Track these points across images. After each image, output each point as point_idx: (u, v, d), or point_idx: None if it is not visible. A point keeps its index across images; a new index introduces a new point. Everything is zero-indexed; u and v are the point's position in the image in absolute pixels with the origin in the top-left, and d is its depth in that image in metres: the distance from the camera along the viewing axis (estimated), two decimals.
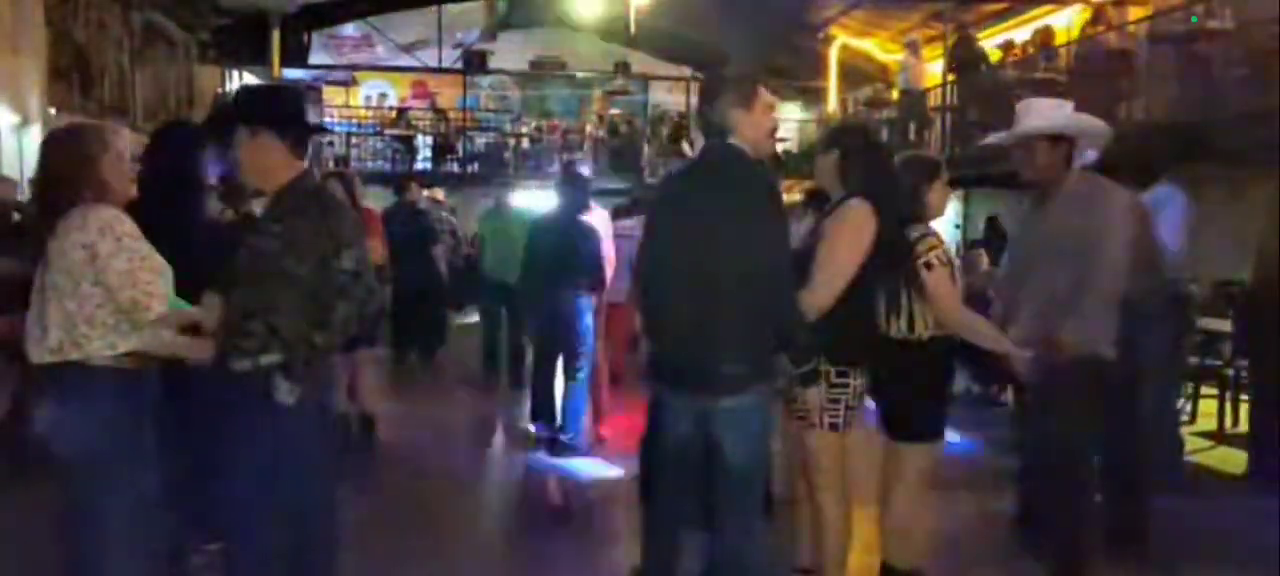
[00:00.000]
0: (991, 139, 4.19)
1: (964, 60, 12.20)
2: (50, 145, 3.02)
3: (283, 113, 3.09)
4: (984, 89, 11.69)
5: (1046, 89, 10.41)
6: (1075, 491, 3.79)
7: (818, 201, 4.71)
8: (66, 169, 2.89)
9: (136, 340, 2.85)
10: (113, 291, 2.79)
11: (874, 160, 3.46)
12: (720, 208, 3.06)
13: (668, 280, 3.17)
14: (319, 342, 2.95)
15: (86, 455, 2.83)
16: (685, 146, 15.55)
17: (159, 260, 2.91)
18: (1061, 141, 3.74)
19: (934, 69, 14.71)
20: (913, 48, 13.65)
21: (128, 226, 2.85)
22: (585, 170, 7.12)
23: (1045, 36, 12.09)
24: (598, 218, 6.68)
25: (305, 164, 3.11)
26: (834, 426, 3.33)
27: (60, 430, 2.86)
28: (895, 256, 3.37)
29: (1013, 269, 4.11)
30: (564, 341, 6.20)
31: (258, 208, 3.10)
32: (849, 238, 3.25)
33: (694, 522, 3.37)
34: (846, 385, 3.31)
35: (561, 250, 6.14)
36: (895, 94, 15.28)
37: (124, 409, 2.88)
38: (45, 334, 2.82)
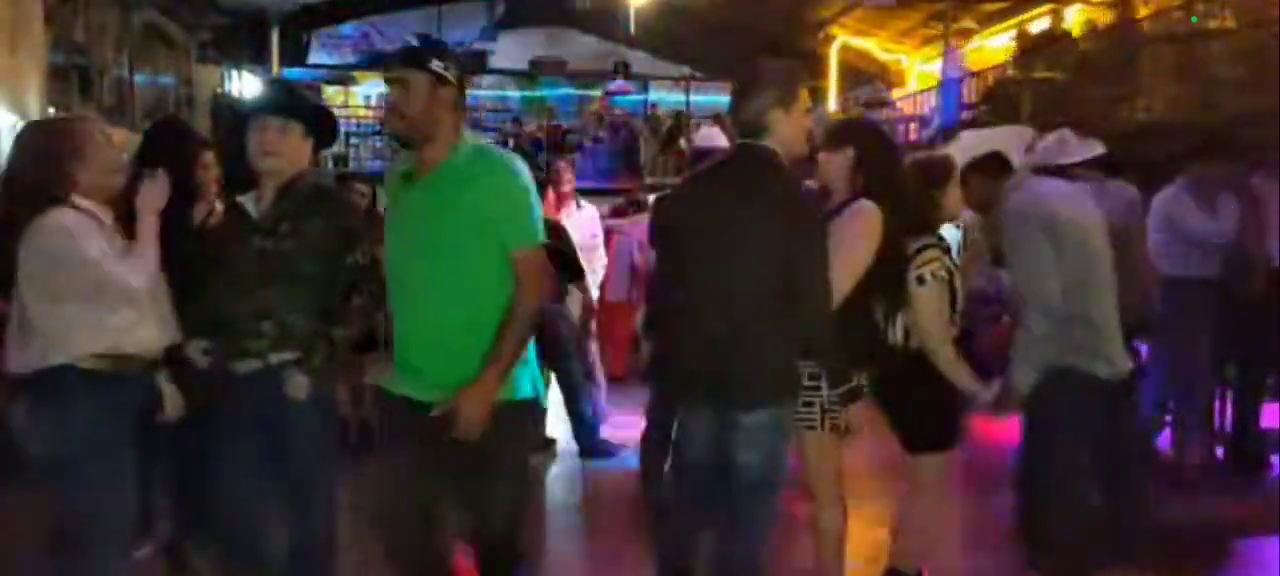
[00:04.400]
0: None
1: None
2: (20, 143, 2.97)
3: (319, 113, 3.15)
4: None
5: (1047, 88, 10.44)
6: (1070, 498, 3.71)
7: None
8: (33, 169, 2.84)
9: (114, 338, 2.81)
10: (89, 284, 2.76)
11: (889, 162, 3.38)
12: (749, 214, 2.88)
13: (688, 287, 3.03)
14: (338, 337, 2.99)
15: (60, 460, 2.81)
16: (682, 144, 15.54)
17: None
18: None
19: (933, 70, 14.71)
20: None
21: (76, 223, 2.79)
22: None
23: (1023, 40, 12.07)
24: (586, 214, 6.66)
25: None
26: (835, 429, 3.23)
27: (34, 434, 2.83)
28: (895, 265, 3.29)
29: None
30: (545, 345, 6.12)
31: (251, 204, 3.03)
32: (859, 240, 3.14)
33: (708, 530, 3.28)
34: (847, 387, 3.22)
35: None
36: (897, 93, 15.27)
37: (101, 414, 2.83)
38: (27, 343, 2.80)
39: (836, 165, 3.30)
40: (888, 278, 3.29)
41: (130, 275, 2.82)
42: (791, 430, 3.10)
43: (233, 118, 3.95)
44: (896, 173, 3.40)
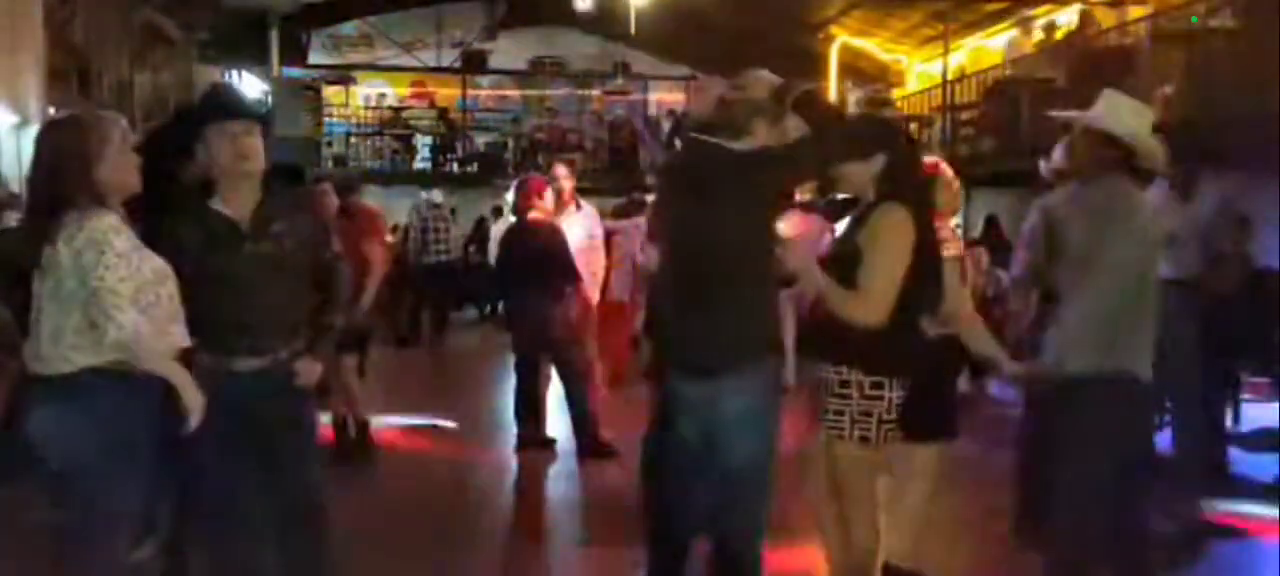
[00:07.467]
0: (1063, 116, 3.81)
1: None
2: (44, 140, 2.88)
3: (264, 112, 3.20)
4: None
5: (1045, 88, 10.44)
6: (1083, 500, 3.67)
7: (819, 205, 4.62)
8: (60, 168, 2.75)
9: (118, 353, 2.71)
10: (87, 303, 2.68)
11: (915, 163, 3.39)
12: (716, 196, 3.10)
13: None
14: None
15: (77, 465, 2.75)
16: (677, 144, 15.49)
17: (157, 266, 2.79)
18: (1113, 145, 3.41)
19: (933, 70, 14.71)
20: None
21: (120, 240, 2.71)
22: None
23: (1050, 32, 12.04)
24: (586, 215, 6.65)
25: None
26: (865, 440, 3.16)
27: (51, 438, 2.76)
28: (930, 261, 3.25)
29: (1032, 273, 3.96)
30: (542, 347, 6.16)
31: (223, 209, 3.04)
32: (897, 243, 3.12)
33: (699, 524, 3.31)
34: (881, 397, 3.14)
35: (526, 254, 6.11)
36: (897, 93, 15.24)
37: (119, 417, 2.77)
38: (39, 345, 2.75)
39: (865, 172, 3.25)
40: (932, 275, 3.27)
41: (110, 322, 2.74)
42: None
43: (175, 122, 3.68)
44: (919, 173, 3.43)
